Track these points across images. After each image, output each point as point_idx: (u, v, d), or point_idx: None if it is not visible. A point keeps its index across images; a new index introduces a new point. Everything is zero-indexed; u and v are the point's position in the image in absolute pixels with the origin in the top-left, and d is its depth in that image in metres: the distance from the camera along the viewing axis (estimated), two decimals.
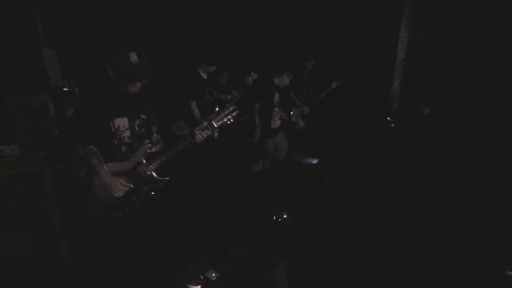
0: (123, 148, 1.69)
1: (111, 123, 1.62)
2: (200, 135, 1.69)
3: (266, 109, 3.40)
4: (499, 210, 3.00)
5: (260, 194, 3.74)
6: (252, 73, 3.24)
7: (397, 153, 3.63)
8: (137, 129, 1.70)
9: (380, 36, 4.55)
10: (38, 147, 2.02)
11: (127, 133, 1.67)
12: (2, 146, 1.91)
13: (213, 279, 2.18)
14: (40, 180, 1.76)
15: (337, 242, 2.62)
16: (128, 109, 1.66)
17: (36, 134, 2.18)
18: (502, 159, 3.49)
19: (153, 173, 1.75)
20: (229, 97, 3.80)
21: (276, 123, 3.52)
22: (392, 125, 3.26)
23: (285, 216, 2.92)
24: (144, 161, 1.72)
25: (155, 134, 1.78)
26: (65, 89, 2.59)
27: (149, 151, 1.75)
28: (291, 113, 3.96)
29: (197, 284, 2.05)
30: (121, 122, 1.64)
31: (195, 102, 3.36)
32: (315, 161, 4.05)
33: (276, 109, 3.48)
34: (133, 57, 1.45)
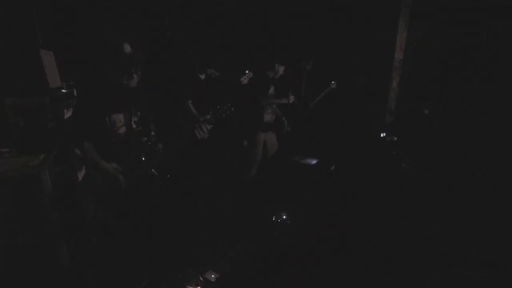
0: (119, 145, 1.70)
1: (107, 118, 1.62)
2: (201, 130, 1.71)
3: (258, 103, 3.35)
4: (499, 210, 3.01)
5: (260, 195, 3.74)
6: (247, 72, 3.24)
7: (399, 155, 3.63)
8: (134, 126, 1.70)
9: (378, 36, 4.55)
10: (36, 149, 2.01)
11: (123, 130, 1.67)
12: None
13: (213, 280, 2.18)
14: (38, 182, 1.76)
15: (337, 242, 2.62)
16: (124, 106, 1.67)
17: (34, 136, 2.17)
18: (502, 159, 3.49)
19: (153, 171, 1.75)
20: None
21: (269, 116, 3.46)
22: (395, 138, 3.26)
23: (284, 216, 2.92)
24: (143, 159, 1.72)
25: (153, 133, 1.78)
26: (63, 90, 2.58)
27: (147, 149, 1.75)
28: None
29: (196, 286, 2.05)
30: (117, 118, 1.65)
31: (191, 101, 3.37)
32: (314, 162, 4.05)
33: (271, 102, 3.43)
34: (127, 48, 1.50)
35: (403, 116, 4.42)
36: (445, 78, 4.47)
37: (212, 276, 2.20)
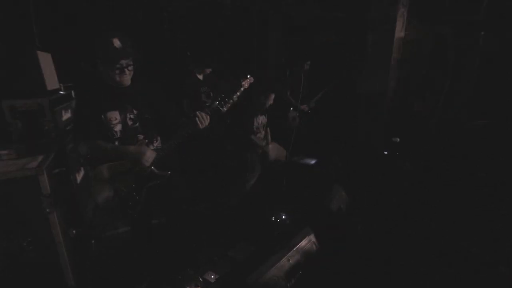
0: (117, 143, 1.70)
1: (103, 116, 1.64)
2: (202, 118, 1.71)
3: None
4: (499, 210, 3.00)
5: (259, 194, 3.73)
6: (248, 76, 3.24)
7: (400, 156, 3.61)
8: (129, 123, 1.71)
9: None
10: (34, 151, 2.01)
11: (119, 127, 1.68)
12: None
13: (212, 281, 2.17)
14: (37, 184, 1.75)
15: (337, 242, 2.61)
16: (119, 103, 1.68)
17: (32, 138, 2.17)
18: (502, 159, 3.49)
19: (153, 168, 1.75)
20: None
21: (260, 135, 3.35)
22: (398, 140, 3.25)
23: (283, 216, 2.91)
24: None
25: (151, 131, 1.78)
26: (61, 92, 2.58)
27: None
28: (289, 113, 3.95)
29: (196, 286, 2.04)
30: (112, 115, 1.67)
31: (187, 101, 3.37)
32: (313, 161, 4.05)
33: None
34: (116, 42, 1.54)
35: (401, 116, 4.43)
36: (442, 76, 4.47)
37: (212, 276, 2.20)
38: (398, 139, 3.21)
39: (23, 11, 2.74)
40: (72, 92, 2.73)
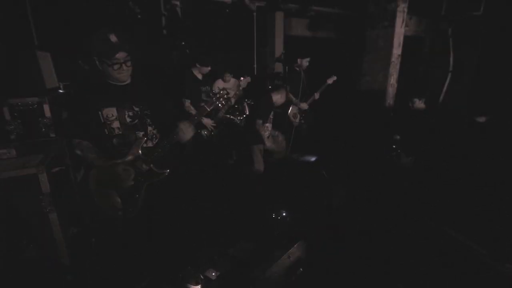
0: (115, 140, 1.70)
1: (100, 113, 1.64)
2: (184, 130, 1.70)
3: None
4: (500, 210, 2.99)
5: (259, 193, 3.74)
6: (245, 76, 3.27)
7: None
8: (128, 120, 1.70)
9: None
10: (34, 150, 2.01)
11: (117, 124, 1.67)
12: None
13: (213, 278, 2.17)
14: (36, 183, 1.76)
15: (337, 242, 2.62)
16: (117, 100, 1.67)
17: (32, 137, 2.17)
18: (503, 159, 3.47)
19: (152, 166, 1.75)
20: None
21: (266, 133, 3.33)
22: (398, 137, 3.23)
23: (284, 214, 2.91)
24: (140, 152, 1.72)
25: (150, 128, 1.77)
26: (60, 91, 2.58)
27: (145, 145, 1.75)
28: (289, 111, 3.94)
29: (197, 284, 2.04)
30: (109, 112, 1.66)
31: (189, 100, 3.39)
32: (313, 159, 4.05)
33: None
34: (113, 38, 1.54)
35: (401, 113, 4.42)
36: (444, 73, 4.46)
37: (213, 274, 2.20)
38: (399, 137, 3.20)
39: (22, 11, 2.74)
40: (71, 91, 2.74)
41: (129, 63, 1.64)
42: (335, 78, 4.00)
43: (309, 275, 2.22)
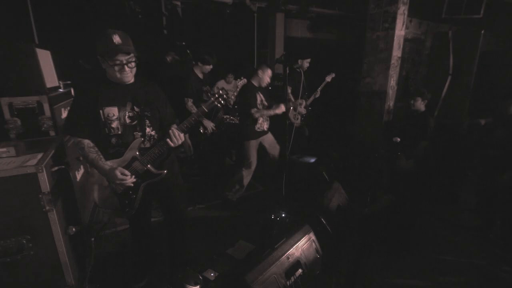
0: (113, 140, 1.70)
1: (101, 111, 1.65)
2: (174, 136, 1.71)
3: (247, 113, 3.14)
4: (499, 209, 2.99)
5: (259, 192, 3.74)
6: (243, 78, 3.28)
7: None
8: (127, 120, 1.70)
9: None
10: (33, 148, 2.00)
11: (116, 124, 1.68)
12: None
13: (212, 278, 2.17)
14: (36, 182, 1.75)
15: (337, 241, 2.62)
16: (119, 99, 1.68)
17: (31, 135, 2.17)
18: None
19: (149, 167, 1.75)
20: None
21: (263, 125, 3.23)
22: (398, 139, 3.22)
23: (283, 215, 2.91)
24: (137, 153, 1.72)
25: (149, 129, 1.77)
26: (61, 90, 2.58)
27: (142, 145, 1.75)
28: (290, 111, 3.93)
29: (196, 284, 2.04)
30: (110, 111, 1.67)
31: (191, 100, 3.40)
32: (312, 160, 4.05)
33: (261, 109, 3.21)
34: (116, 38, 1.55)
35: (401, 115, 4.42)
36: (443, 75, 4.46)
37: (211, 274, 2.20)
38: (399, 139, 3.19)
39: (23, 9, 2.74)
40: (72, 90, 2.73)
41: (132, 64, 1.64)
42: (333, 75, 4.00)
43: (308, 276, 2.22)
